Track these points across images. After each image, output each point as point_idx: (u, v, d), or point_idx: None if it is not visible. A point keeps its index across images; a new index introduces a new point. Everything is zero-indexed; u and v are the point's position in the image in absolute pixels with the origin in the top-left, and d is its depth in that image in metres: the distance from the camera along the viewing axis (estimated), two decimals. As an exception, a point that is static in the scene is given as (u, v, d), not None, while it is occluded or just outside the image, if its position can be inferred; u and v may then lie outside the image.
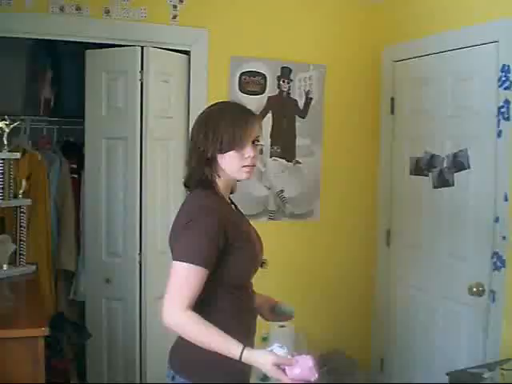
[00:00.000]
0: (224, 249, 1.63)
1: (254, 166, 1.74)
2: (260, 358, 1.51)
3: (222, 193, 1.76)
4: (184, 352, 1.74)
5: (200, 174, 1.72)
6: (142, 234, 2.99)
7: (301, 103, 3.38)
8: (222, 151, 1.68)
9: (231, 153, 1.69)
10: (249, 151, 1.70)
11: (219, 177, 1.74)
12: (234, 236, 1.65)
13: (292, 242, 3.38)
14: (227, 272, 1.66)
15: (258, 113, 3.18)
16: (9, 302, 2.50)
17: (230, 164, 1.71)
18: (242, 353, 1.51)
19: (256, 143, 1.74)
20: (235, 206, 1.87)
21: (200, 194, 1.72)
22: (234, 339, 1.54)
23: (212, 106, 1.81)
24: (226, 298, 1.69)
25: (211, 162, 1.71)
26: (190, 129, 1.81)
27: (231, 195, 1.86)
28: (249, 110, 1.77)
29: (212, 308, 1.66)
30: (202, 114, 1.78)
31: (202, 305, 1.62)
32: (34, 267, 2.85)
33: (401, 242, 3.37)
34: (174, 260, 1.64)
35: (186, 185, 1.80)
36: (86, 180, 3.20)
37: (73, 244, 3.42)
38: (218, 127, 1.68)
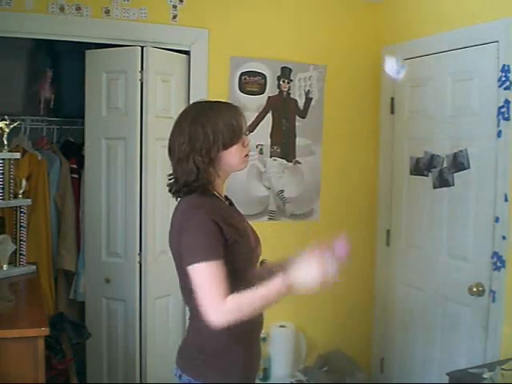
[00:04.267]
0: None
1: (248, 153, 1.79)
2: (301, 274, 1.58)
3: (218, 192, 1.78)
4: (190, 352, 1.77)
5: (201, 177, 1.69)
6: (142, 234, 2.99)
7: (301, 103, 3.38)
8: (226, 147, 1.70)
9: (235, 146, 1.72)
10: (246, 140, 1.76)
11: (219, 176, 1.75)
12: (226, 230, 1.65)
13: (292, 242, 3.37)
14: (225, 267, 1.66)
15: (257, 113, 3.24)
16: (9, 302, 2.50)
17: (234, 157, 1.73)
18: (287, 284, 1.58)
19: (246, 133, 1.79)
20: (230, 202, 1.87)
21: (191, 198, 1.72)
22: (273, 281, 1.58)
23: (197, 104, 1.81)
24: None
25: (215, 161, 1.71)
26: (171, 136, 1.78)
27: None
28: (231, 103, 1.82)
29: None
30: (184, 117, 1.75)
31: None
32: (33, 267, 2.85)
33: (401, 241, 3.37)
34: (187, 266, 1.62)
35: (174, 192, 1.77)
36: (86, 180, 3.19)
37: (73, 244, 3.41)
38: (216, 125, 1.69)
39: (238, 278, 1.71)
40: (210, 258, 1.59)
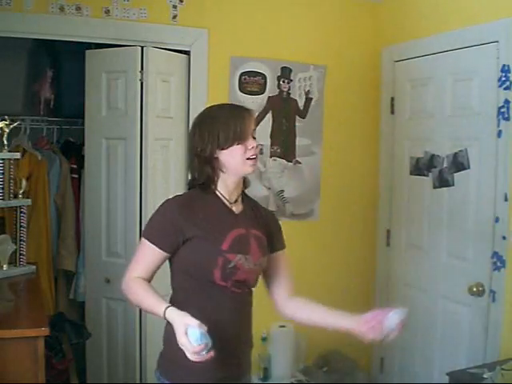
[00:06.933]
0: (182, 240, 1.69)
1: (256, 157, 1.77)
2: (176, 321, 1.50)
3: (223, 192, 1.77)
4: (166, 353, 1.75)
5: (201, 175, 1.75)
6: (142, 234, 2.99)
7: (301, 103, 3.38)
8: (221, 147, 1.70)
9: (234, 147, 1.70)
10: (251, 142, 1.74)
11: (219, 176, 1.76)
12: (190, 229, 1.68)
13: (292, 242, 3.36)
14: (183, 263, 1.73)
15: (257, 113, 3.24)
16: (9, 302, 2.50)
17: (234, 158, 1.72)
18: (164, 312, 1.55)
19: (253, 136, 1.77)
20: (243, 205, 1.83)
21: (188, 191, 1.83)
22: (159, 305, 1.57)
23: (208, 107, 1.85)
24: (194, 292, 1.73)
25: (211, 161, 1.72)
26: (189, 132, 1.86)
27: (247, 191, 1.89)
28: (242, 106, 1.84)
29: (181, 300, 1.70)
30: (197, 116, 1.82)
31: (175, 296, 1.75)
32: (33, 267, 2.84)
33: (401, 241, 3.37)
34: None
35: (188, 185, 1.86)
36: (86, 180, 3.20)
37: (73, 244, 3.42)
38: (213, 124, 1.71)
39: (197, 276, 1.71)
40: (151, 239, 1.70)
